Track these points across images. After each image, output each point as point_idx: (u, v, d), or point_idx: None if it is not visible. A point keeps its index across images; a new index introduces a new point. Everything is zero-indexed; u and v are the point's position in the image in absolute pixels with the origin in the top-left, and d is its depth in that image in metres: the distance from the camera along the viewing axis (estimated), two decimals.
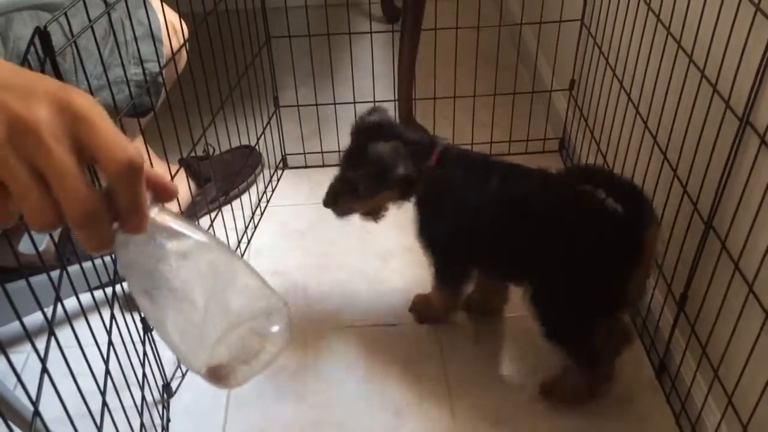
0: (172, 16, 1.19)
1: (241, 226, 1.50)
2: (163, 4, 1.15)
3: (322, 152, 1.67)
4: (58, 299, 0.78)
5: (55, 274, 0.80)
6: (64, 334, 0.77)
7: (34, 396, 0.68)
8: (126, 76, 1.02)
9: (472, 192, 1.10)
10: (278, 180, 1.69)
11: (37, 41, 0.79)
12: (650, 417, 1.14)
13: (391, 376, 1.22)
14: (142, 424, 1.03)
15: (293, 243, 1.51)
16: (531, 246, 1.06)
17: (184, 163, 1.33)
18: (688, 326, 1.08)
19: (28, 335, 0.68)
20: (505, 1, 2.11)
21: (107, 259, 1.05)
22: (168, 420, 1.15)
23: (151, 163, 1.18)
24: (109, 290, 0.97)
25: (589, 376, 1.13)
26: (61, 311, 0.77)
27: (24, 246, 0.95)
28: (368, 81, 1.60)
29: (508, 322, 1.31)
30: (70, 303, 0.82)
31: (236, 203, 1.56)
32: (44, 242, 1.02)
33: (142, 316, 1.09)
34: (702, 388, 1.06)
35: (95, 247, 0.42)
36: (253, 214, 1.56)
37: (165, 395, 1.17)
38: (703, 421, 1.05)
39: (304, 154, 1.70)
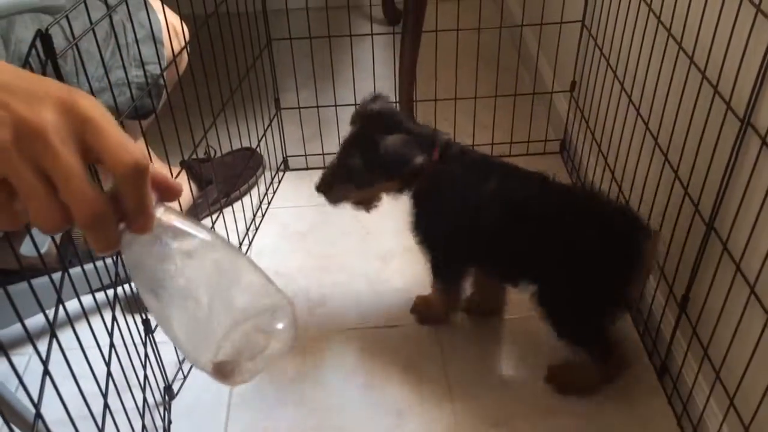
0: (173, 18, 1.19)
1: (242, 228, 1.50)
2: (164, 6, 1.16)
3: (323, 154, 1.67)
4: (60, 301, 0.78)
5: (56, 275, 0.80)
6: (65, 336, 0.77)
7: (35, 398, 0.68)
8: (127, 78, 1.02)
9: (474, 190, 1.10)
10: (279, 182, 1.69)
11: (38, 44, 0.79)
12: (652, 418, 1.14)
13: (392, 378, 1.22)
14: (143, 426, 1.03)
15: (294, 245, 1.51)
16: (532, 247, 1.06)
17: (185, 165, 1.33)
18: (690, 328, 1.08)
19: (30, 337, 0.68)
20: (505, 3, 2.11)
21: (108, 260, 1.05)
22: (169, 422, 1.15)
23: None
24: (110, 292, 0.97)
25: (603, 368, 1.15)
26: (62, 313, 0.77)
27: (25, 248, 0.96)
28: (369, 83, 1.60)
29: (508, 323, 1.31)
30: (72, 305, 0.82)
31: (237, 205, 1.56)
32: (46, 244, 1.02)
33: (144, 317, 1.09)
34: (704, 390, 1.05)
35: (103, 247, 0.42)
36: (255, 215, 1.56)
37: (166, 397, 1.17)
38: (705, 423, 1.05)
39: (305, 155, 1.70)
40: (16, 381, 0.68)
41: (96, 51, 0.97)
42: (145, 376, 1.07)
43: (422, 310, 1.31)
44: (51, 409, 0.70)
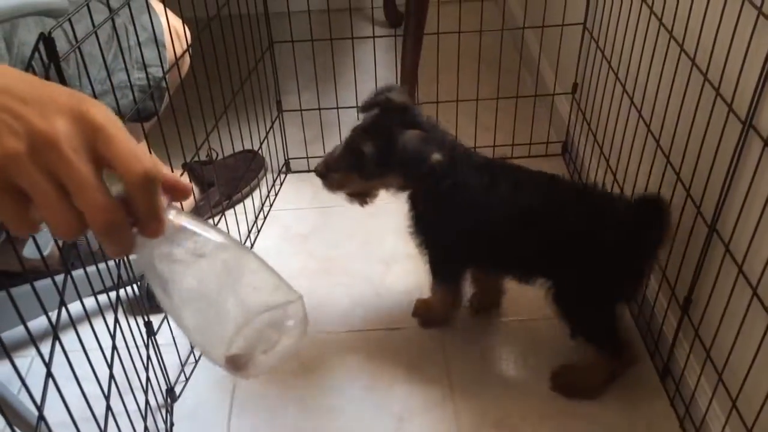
0: (176, 21, 1.19)
1: (244, 230, 1.50)
2: (167, 9, 1.16)
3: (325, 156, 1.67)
4: (63, 303, 0.79)
5: (59, 278, 0.80)
6: (68, 338, 0.77)
7: (38, 400, 0.68)
8: (129, 81, 1.03)
9: (483, 193, 1.09)
10: (281, 184, 1.69)
11: (41, 47, 0.79)
12: (654, 421, 1.14)
13: (395, 381, 1.22)
14: (145, 428, 1.03)
15: (296, 247, 1.51)
16: (547, 247, 1.07)
17: (187, 167, 1.33)
18: (692, 330, 1.07)
19: (33, 339, 0.68)
20: (507, 5, 2.11)
21: (111, 263, 1.05)
22: (171, 424, 1.15)
23: None
24: (113, 294, 0.97)
25: (612, 364, 1.16)
26: (65, 316, 0.78)
27: (28, 250, 0.95)
28: (371, 85, 1.59)
29: (510, 325, 1.31)
30: (75, 307, 0.82)
31: (239, 207, 1.56)
32: (48, 246, 1.02)
33: (146, 320, 1.09)
34: (706, 392, 1.05)
35: (117, 251, 0.44)
36: (257, 218, 1.56)
37: (168, 399, 1.17)
38: (708, 425, 1.05)
39: (307, 158, 1.70)
40: (19, 383, 0.68)
41: (98, 54, 0.97)
42: (148, 378, 1.07)
43: (423, 313, 1.31)
44: (53, 411, 0.70)
